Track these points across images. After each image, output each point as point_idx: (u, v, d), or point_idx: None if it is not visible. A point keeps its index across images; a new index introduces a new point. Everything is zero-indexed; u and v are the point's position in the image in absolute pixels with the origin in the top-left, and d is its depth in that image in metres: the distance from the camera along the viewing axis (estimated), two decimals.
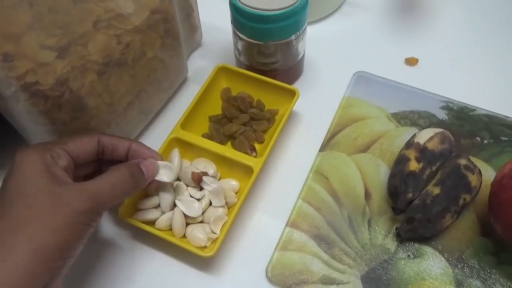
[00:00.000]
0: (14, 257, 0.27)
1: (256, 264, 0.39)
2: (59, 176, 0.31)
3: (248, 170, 0.40)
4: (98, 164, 0.37)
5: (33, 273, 0.27)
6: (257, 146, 0.45)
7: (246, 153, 0.43)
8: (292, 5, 0.42)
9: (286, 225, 0.41)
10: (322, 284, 0.38)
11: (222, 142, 0.44)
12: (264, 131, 0.45)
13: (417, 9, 0.57)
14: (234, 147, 0.44)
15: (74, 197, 0.30)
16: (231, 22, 0.46)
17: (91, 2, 0.35)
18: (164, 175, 0.38)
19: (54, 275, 0.29)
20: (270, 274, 0.38)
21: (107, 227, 0.41)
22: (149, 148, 0.38)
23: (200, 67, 0.52)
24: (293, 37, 0.45)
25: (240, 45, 0.47)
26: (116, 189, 0.32)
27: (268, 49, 0.46)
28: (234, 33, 0.46)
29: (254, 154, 0.43)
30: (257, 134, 0.45)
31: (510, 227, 0.35)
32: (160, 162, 0.38)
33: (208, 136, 0.45)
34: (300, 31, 0.45)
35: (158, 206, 0.39)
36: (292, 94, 0.45)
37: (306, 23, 0.45)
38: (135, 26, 0.38)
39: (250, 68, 0.48)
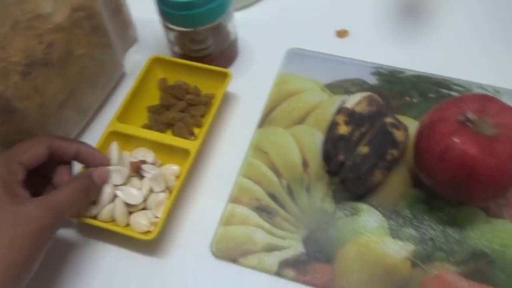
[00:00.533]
0: None
1: (202, 242, 0.40)
2: (18, 193, 0.33)
3: (187, 153, 0.42)
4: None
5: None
6: (196, 130, 0.46)
7: (185, 138, 0.44)
8: None
9: (228, 201, 0.42)
10: (265, 251, 0.39)
11: (162, 131, 0.45)
12: (202, 116, 0.47)
13: None
14: (174, 134, 0.45)
15: (37, 213, 0.32)
16: (159, 14, 0.47)
17: (9, 5, 0.36)
18: (117, 180, 0.39)
19: (21, 286, 0.32)
20: (215, 249, 0.39)
21: None
22: (98, 151, 0.39)
23: (138, 61, 0.53)
24: (220, 19, 0.46)
25: (171, 35, 0.48)
26: (74, 201, 0.35)
27: (199, 36, 0.47)
28: (164, 25, 0.47)
29: (193, 138, 0.45)
30: (195, 119, 0.46)
31: (430, 174, 0.37)
32: (112, 167, 0.40)
33: (148, 127, 0.46)
34: (226, 13, 0.46)
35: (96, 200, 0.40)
36: (225, 76, 0.46)
37: (231, 4, 0.47)
38: (56, 25, 0.39)
39: (185, 57, 0.49)
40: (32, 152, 0.35)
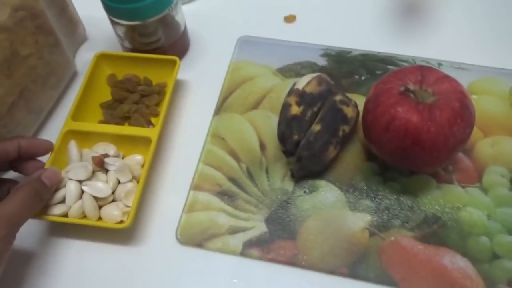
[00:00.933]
0: None
1: (168, 230, 0.41)
2: None
3: (148, 142, 0.42)
4: None
5: None
6: (153, 119, 0.46)
7: (144, 128, 0.44)
8: None
9: (190, 189, 0.43)
10: (229, 234, 0.40)
11: (119, 125, 0.45)
12: (157, 104, 0.47)
13: None
14: (132, 125, 0.45)
15: None
16: (104, 10, 0.46)
17: None
18: (81, 175, 0.39)
19: None
20: (179, 236, 0.40)
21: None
22: (38, 139, 0.39)
23: (89, 60, 0.52)
24: (167, 11, 0.46)
25: (119, 30, 0.48)
26: (26, 208, 0.34)
27: (147, 29, 0.47)
28: (111, 20, 0.47)
29: (151, 126, 0.45)
30: (151, 109, 0.46)
31: (378, 145, 0.38)
32: (77, 164, 0.40)
33: (104, 123, 0.46)
34: (173, 4, 0.46)
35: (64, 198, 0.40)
36: (174, 63, 0.47)
37: None
38: None
39: (135, 51, 0.49)
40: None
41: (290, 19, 0.55)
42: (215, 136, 0.46)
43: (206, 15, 0.56)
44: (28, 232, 0.41)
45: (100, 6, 0.46)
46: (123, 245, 0.40)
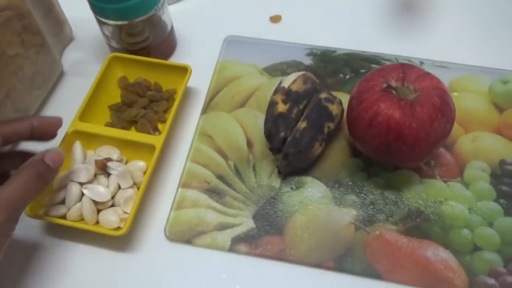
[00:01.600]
0: None
1: (158, 227, 0.41)
2: None
3: (152, 149, 0.42)
4: None
5: None
6: (160, 126, 0.46)
7: (149, 134, 0.44)
8: None
9: (178, 186, 0.43)
10: (218, 230, 0.40)
11: (125, 128, 0.45)
12: (165, 111, 0.47)
13: None
14: (138, 130, 0.45)
15: None
16: (91, 10, 0.47)
17: None
18: (83, 178, 0.39)
19: None
20: (168, 233, 0.40)
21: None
22: (49, 117, 0.38)
23: (76, 60, 0.53)
24: (153, 10, 0.46)
25: (106, 30, 0.48)
26: (28, 191, 0.33)
27: (134, 28, 0.47)
28: (98, 20, 0.48)
29: (157, 133, 0.45)
30: (158, 115, 0.46)
31: (362, 141, 0.39)
32: (79, 166, 0.40)
33: (111, 125, 0.45)
34: (160, 4, 0.47)
35: (64, 200, 0.40)
36: (185, 71, 0.47)
37: None
38: None
39: (122, 50, 0.49)
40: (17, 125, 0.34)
41: (275, 19, 0.56)
42: (203, 135, 0.46)
43: (193, 15, 0.56)
44: (26, 231, 0.41)
45: (86, 6, 0.46)
46: (114, 245, 0.40)
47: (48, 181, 0.35)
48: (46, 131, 0.38)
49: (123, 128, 0.45)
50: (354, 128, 0.40)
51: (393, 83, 0.38)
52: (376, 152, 0.39)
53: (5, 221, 0.31)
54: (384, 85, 0.37)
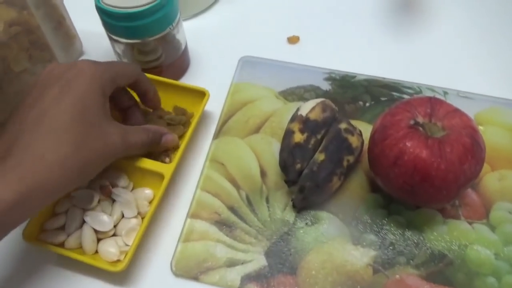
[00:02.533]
0: (63, 157, 0.32)
1: (163, 260, 0.39)
2: (108, 112, 0.36)
3: (160, 176, 0.40)
4: None
5: (73, 178, 0.33)
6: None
7: (161, 161, 0.42)
8: None
9: (187, 216, 0.41)
10: (227, 267, 0.38)
11: None
12: (180, 137, 0.44)
13: None
14: (149, 155, 0.42)
15: (117, 142, 0.36)
16: (103, 26, 0.45)
17: None
18: (86, 204, 0.38)
19: (83, 185, 0.39)
20: (174, 268, 0.38)
21: (12, 249, 0.39)
22: (159, 97, 0.44)
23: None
24: (168, 29, 0.45)
25: (118, 48, 0.46)
26: (141, 146, 0.38)
27: (147, 47, 0.45)
28: (109, 37, 0.46)
29: (167, 160, 0.42)
30: None
31: (385, 179, 0.37)
32: (83, 190, 0.39)
33: None
34: (174, 23, 0.45)
35: (64, 225, 0.38)
36: (202, 95, 0.45)
37: (179, 13, 0.46)
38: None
39: None
40: (128, 78, 0.39)
41: (293, 40, 0.53)
42: (214, 161, 0.44)
43: (207, 32, 0.54)
44: (23, 256, 0.39)
45: (98, 20, 0.44)
46: (114, 279, 0.38)
47: (151, 149, 0.40)
48: (150, 103, 0.43)
49: None
50: (376, 164, 0.37)
51: (420, 119, 0.36)
52: (399, 191, 0.37)
53: (118, 155, 0.37)
54: (411, 122, 0.35)
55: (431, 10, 0.56)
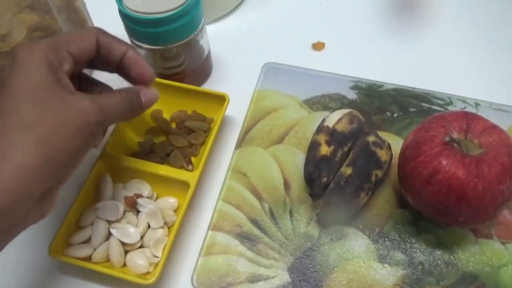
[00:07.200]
0: (22, 156, 0.27)
1: (183, 273, 0.38)
2: (66, 83, 0.30)
3: (184, 185, 0.39)
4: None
5: (41, 176, 0.27)
6: (193, 159, 0.43)
7: (182, 167, 0.41)
8: (183, 3, 0.41)
9: (208, 228, 0.40)
10: (249, 282, 0.37)
11: (156, 159, 0.42)
12: (201, 144, 0.44)
13: None
14: (170, 163, 0.42)
15: (86, 106, 0.29)
16: (126, 31, 0.44)
17: None
18: (111, 216, 0.37)
19: (59, 181, 0.29)
20: (195, 282, 0.37)
21: (38, 265, 0.38)
22: (145, 63, 0.35)
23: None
24: (192, 35, 0.44)
25: (140, 53, 0.45)
26: (119, 109, 0.32)
27: (170, 52, 0.45)
28: (132, 42, 0.45)
29: (190, 167, 0.42)
30: (193, 148, 0.43)
31: (417, 197, 0.35)
32: (107, 202, 0.37)
33: (138, 156, 0.42)
34: (198, 29, 0.44)
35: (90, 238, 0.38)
36: (222, 100, 0.44)
37: (203, 19, 0.45)
38: (14, 47, 0.36)
39: (156, 74, 0.46)
40: (81, 42, 0.32)
41: (318, 46, 0.52)
42: (237, 172, 0.43)
43: (229, 37, 0.53)
44: (48, 270, 0.38)
45: (119, 24, 0.44)
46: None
47: (136, 113, 0.34)
48: (132, 71, 0.34)
49: (157, 159, 0.42)
50: (407, 181, 0.36)
51: (455, 135, 0.34)
52: (431, 210, 0.35)
53: (97, 122, 0.30)
54: (447, 139, 0.33)
55: (463, 22, 0.54)
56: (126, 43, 0.35)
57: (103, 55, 0.33)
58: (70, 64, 0.31)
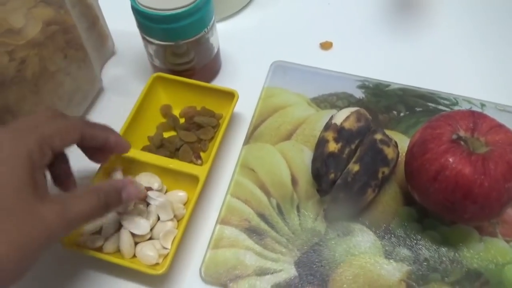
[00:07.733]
0: None
1: (193, 266, 0.38)
2: (40, 185, 0.29)
3: (193, 179, 0.39)
4: None
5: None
6: (202, 154, 0.44)
7: (191, 162, 0.42)
8: (195, 1, 0.41)
9: (217, 222, 0.40)
10: (257, 275, 0.37)
11: (170, 154, 0.43)
12: (210, 139, 0.44)
13: None
14: (179, 157, 0.43)
15: (52, 220, 0.28)
16: (137, 27, 0.45)
17: None
18: (121, 207, 0.37)
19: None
20: (203, 275, 0.38)
21: (50, 255, 0.39)
22: (125, 141, 0.36)
23: (116, 76, 0.51)
24: (202, 33, 0.44)
25: (150, 49, 0.46)
26: (92, 216, 0.31)
27: (180, 49, 0.45)
28: (143, 38, 0.45)
29: (199, 162, 0.42)
30: (202, 143, 0.44)
31: (423, 194, 0.36)
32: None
33: (148, 150, 0.43)
34: (209, 26, 0.44)
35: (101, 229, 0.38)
36: (231, 96, 0.44)
37: (214, 17, 0.45)
38: (29, 40, 0.36)
39: (165, 70, 0.47)
40: (66, 139, 0.32)
41: (326, 46, 0.53)
42: (245, 167, 0.43)
43: (239, 35, 0.54)
44: (61, 260, 0.39)
45: (131, 20, 0.44)
46: (150, 282, 0.38)
47: (110, 212, 0.34)
48: (113, 151, 0.36)
49: (167, 152, 0.43)
50: (414, 178, 0.36)
51: (462, 133, 0.35)
52: (438, 207, 0.36)
53: (59, 234, 0.29)
54: (454, 137, 0.34)
55: (470, 23, 0.54)
56: (106, 128, 0.36)
57: (85, 143, 0.34)
58: (49, 159, 0.31)
